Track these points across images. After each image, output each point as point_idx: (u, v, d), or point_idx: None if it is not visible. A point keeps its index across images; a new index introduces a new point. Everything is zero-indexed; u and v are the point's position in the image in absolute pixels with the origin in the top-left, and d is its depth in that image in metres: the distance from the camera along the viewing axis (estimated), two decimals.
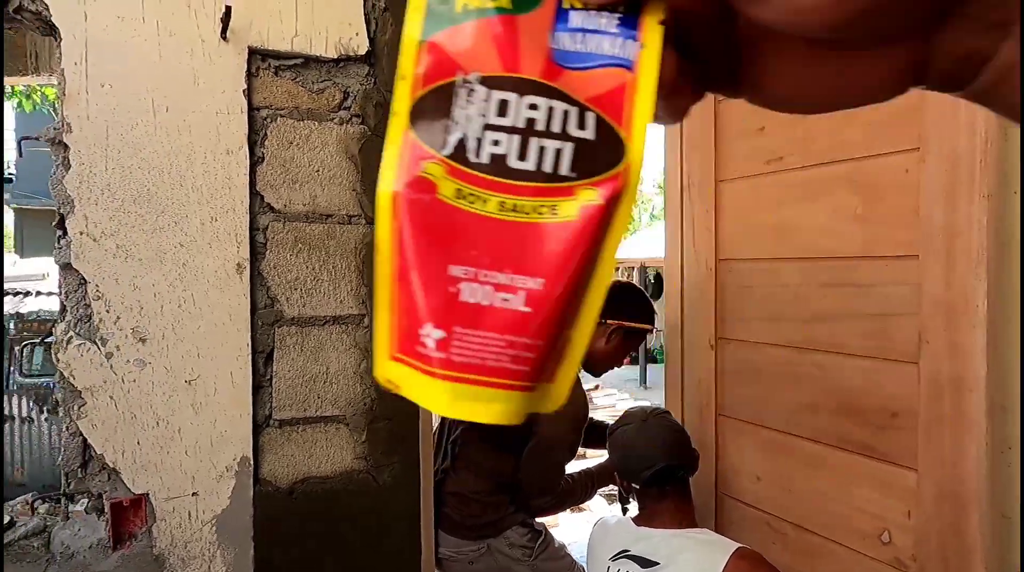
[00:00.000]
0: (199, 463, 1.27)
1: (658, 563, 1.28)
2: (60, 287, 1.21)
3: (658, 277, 13.57)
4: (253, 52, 1.30)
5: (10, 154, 15.54)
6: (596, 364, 1.97)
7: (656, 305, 2.03)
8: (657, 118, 0.25)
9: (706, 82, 0.26)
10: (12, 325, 6.65)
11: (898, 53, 0.23)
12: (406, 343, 0.24)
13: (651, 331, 2.00)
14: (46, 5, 1.16)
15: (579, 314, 0.25)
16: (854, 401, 1.37)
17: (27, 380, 5.88)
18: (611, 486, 1.91)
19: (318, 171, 1.37)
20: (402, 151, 0.24)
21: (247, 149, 1.30)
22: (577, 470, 1.97)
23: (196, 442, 1.27)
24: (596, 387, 8.10)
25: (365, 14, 1.38)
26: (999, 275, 1.09)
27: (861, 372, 1.35)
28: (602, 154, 0.24)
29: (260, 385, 1.34)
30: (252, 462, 1.31)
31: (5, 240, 18.27)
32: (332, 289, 1.39)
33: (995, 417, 1.11)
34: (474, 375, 0.24)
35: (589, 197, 0.24)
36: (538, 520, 1.93)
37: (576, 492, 1.91)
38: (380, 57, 1.41)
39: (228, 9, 1.24)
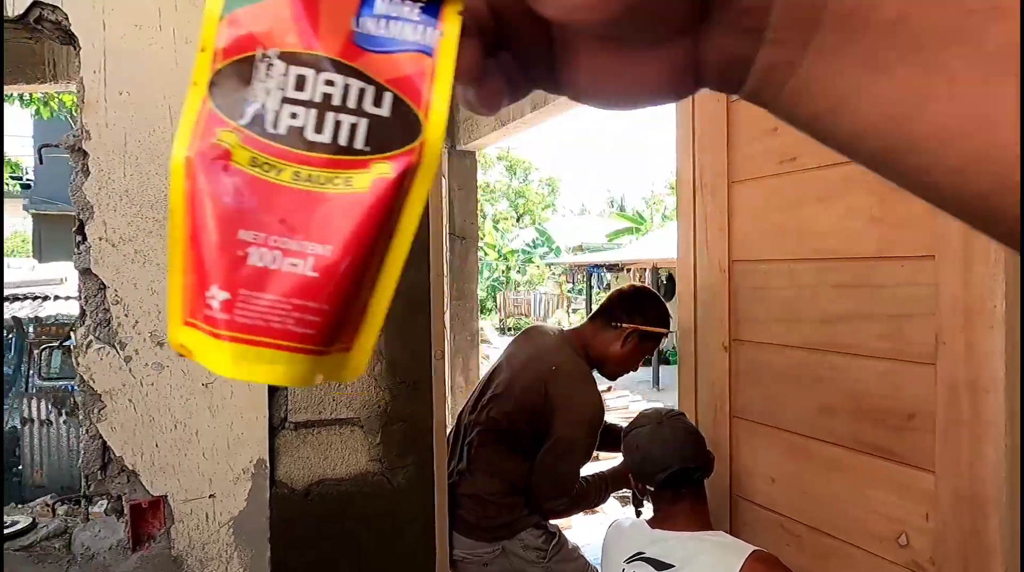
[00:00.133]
0: (216, 465, 1.29)
1: (673, 566, 1.27)
2: (80, 292, 1.23)
3: (670, 278, 13.51)
4: None
5: (29, 160, 15.75)
6: (612, 368, 1.96)
7: (669, 306, 2.03)
8: (473, 106, 0.27)
9: (530, 77, 0.28)
10: (31, 329, 6.74)
11: (674, 53, 0.25)
12: (195, 307, 0.25)
13: (666, 335, 2.00)
14: (65, 15, 1.18)
15: (376, 284, 0.26)
16: (870, 403, 1.36)
17: (46, 383, 5.96)
18: (624, 488, 1.91)
19: None
20: (198, 120, 0.25)
21: None
22: (591, 473, 1.97)
23: (213, 444, 1.28)
24: (609, 389, 8.08)
25: None
26: (1017, 275, 1.08)
27: (877, 374, 1.34)
28: (397, 131, 0.25)
29: (275, 388, 1.35)
30: (268, 464, 1.32)
31: (24, 245, 18.51)
32: None
33: (1014, 419, 1.10)
34: (257, 337, 0.24)
35: (382, 170, 0.25)
36: (552, 522, 1.93)
37: (590, 495, 1.91)
38: None
39: None
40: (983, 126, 0.20)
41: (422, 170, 0.25)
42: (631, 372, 2.03)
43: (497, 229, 23.81)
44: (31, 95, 6.04)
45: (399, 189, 0.25)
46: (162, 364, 1.25)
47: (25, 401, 5.79)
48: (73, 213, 1.21)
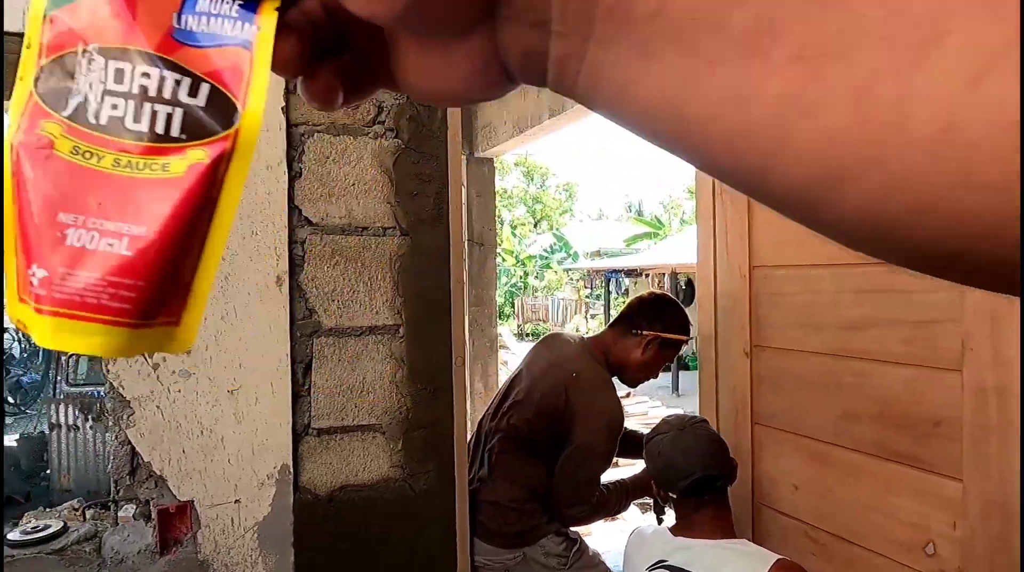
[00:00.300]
0: (241, 471, 1.31)
1: None
2: None
3: (689, 283, 13.43)
4: None
5: None
6: (632, 375, 1.96)
7: (688, 311, 2.02)
8: (308, 100, 0.28)
9: (372, 77, 0.29)
10: None
11: (476, 47, 0.25)
12: (22, 285, 0.27)
13: (687, 342, 1.99)
14: None
15: (198, 263, 0.28)
16: (895, 409, 1.34)
17: (73, 389, 6.07)
18: (645, 496, 1.90)
19: (354, 185, 1.41)
20: (24, 112, 0.27)
21: (286, 165, 1.33)
22: (612, 480, 1.96)
23: (238, 450, 1.30)
24: (628, 394, 8.04)
25: None
26: None
27: (902, 380, 1.32)
28: (213, 120, 0.27)
29: (299, 394, 1.37)
30: (292, 470, 1.34)
31: None
32: (368, 300, 1.42)
33: None
34: (74, 311, 0.26)
35: (197, 156, 0.27)
36: (572, 529, 1.92)
37: (611, 503, 1.90)
38: None
39: None
40: (739, 105, 0.21)
41: (237, 155, 0.27)
42: (652, 379, 2.02)
43: (515, 235, 23.84)
44: None
45: (214, 174, 0.27)
46: (189, 371, 1.27)
47: (53, 406, 5.89)
48: None
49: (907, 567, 1.32)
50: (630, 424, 2.12)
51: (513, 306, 21.78)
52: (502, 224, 22.41)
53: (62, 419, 5.75)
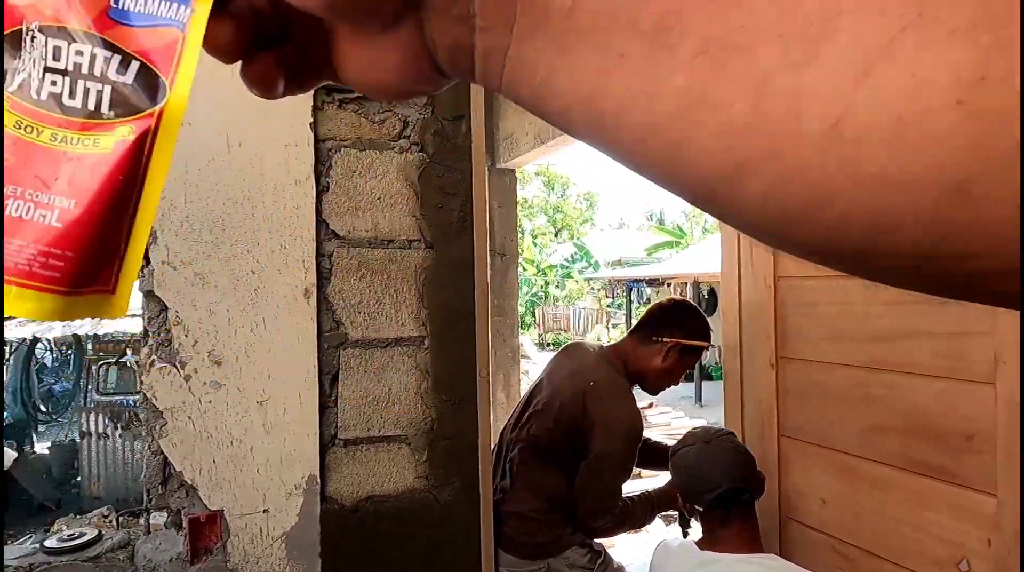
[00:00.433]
0: (270, 481, 1.32)
1: None
2: (143, 313, 1.29)
3: (712, 293, 13.31)
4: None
5: None
6: (653, 383, 1.95)
7: (710, 321, 2.01)
8: (248, 87, 0.30)
9: (316, 69, 0.30)
10: (89, 346, 7.01)
11: (405, 40, 0.26)
12: None
13: (707, 348, 1.98)
14: None
15: (129, 233, 0.29)
16: (926, 423, 1.32)
17: (103, 398, 6.19)
18: (670, 509, 1.88)
19: (380, 198, 1.43)
20: None
21: (313, 179, 1.36)
22: (636, 493, 1.95)
23: (267, 461, 1.32)
24: (650, 405, 7.98)
25: None
26: None
27: (933, 393, 1.30)
28: (141, 97, 0.28)
29: (326, 405, 1.38)
30: (319, 480, 1.36)
31: None
32: (394, 312, 1.43)
33: None
34: (9, 277, 0.28)
35: (123, 133, 0.28)
36: (597, 540, 1.92)
37: (635, 514, 1.89)
38: None
39: None
40: (648, 99, 0.21)
41: (162, 131, 0.29)
42: (673, 386, 2.01)
43: (535, 244, 23.85)
44: None
45: (139, 149, 0.28)
46: (219, 382, 1.30)
47: (84, 415, 6.01)
48: None
49: None
50: (653, 435, 2.11)
51: (534, 316, 21.76)
52: (522, 233, 22.44)
53: (92, 427, 5.87)
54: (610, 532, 1.94)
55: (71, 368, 8.77)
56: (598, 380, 1.84)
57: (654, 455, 2.10)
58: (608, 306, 21.29)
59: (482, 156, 1.50)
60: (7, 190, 0.28)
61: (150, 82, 0.28)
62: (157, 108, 0.28)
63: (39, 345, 8.33)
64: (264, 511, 1.32)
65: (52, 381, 9.00)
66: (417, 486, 1.45)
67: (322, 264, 1.38)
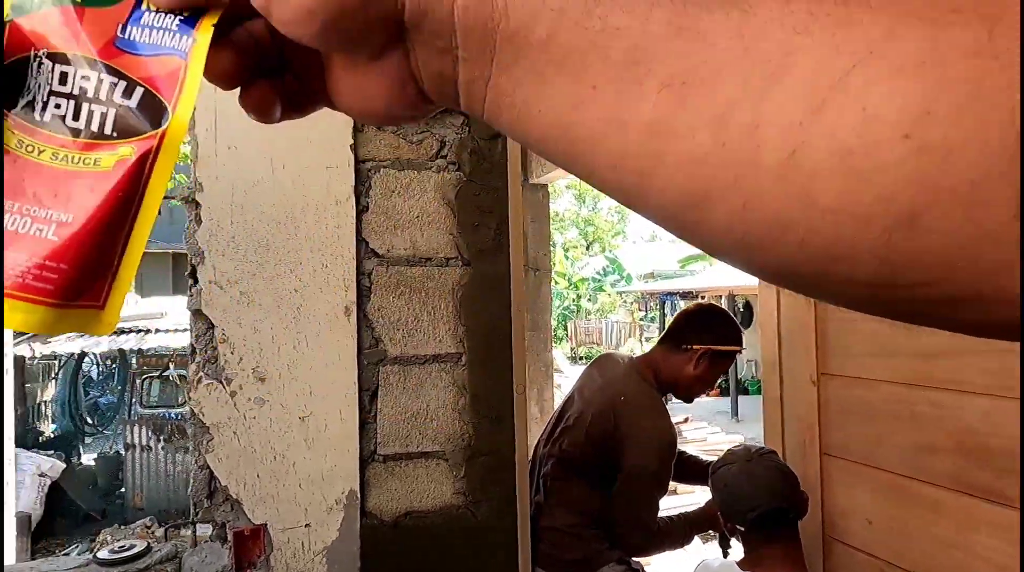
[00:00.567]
0: (311, 496, 1.35)
1: None
2: (191, 331, 1.33)
3: (747, 306, 13.11)
4: None
5: None
6: (685, 391, 1.93)
7: (746, 335, 1.98)
8: (246, 111, 0.31)
9: (313, 96, 0.31)
10: (134, 360, 7.21)
11: (395, 68, 0.27)
12: None
13: (739, 352, 1.94)
14: None
15: (124, 250, 0.30)
16: (975, 442, 1.28)
17: (146, 411, 6.35)
18: (711, 529, 1.85)
19: (418, 217, 1.45)
20: None
21: (354, 199, 1.39)
22: (676, 513, 1.93)
23: (309, 476, 1.35)
24: (686, 420, 7.87)
25: None
26: None
27: (982, 411, 1.27)
28: (143, 120, 0.29)
29: (366, 421, 1.40)
30: (359, 496, 1.37)
31: None
32: (431, 329, 1.45)
33: None
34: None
35: (125, 153, 0.29)
36: (635, 559, 1.89)
37: (674, 534, 1.87)
38: None
39: None
40: (618, 128, 0.22)
41: (163, 153, 0.30)
42: (706, 395, 1.98)
43: (567, 257, 23.81)
44: None
45: (140, 169, 0.29)
46: (263, 399, 1.33)
47: (128, 428, 6.18)
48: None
49: None
50: (689, 449, 2.08)
51: (566, 329, 21.68)
52: (554, 247, 22.43)
53: (136, 439, 6.02)
54: (648, 550, 1.91)
55: (116, 381, 9.02)
56: (629, 394, 1.83)
57: (690, 470, 2.07)
58: (641, 319, 21.10)
59: (518, 174, 1.52)
60: (5, 205, 0.29)
61: (154, 107, 0.30)
62: (160, 131, 0.30)
63: (86, 359, 8.60)
64: (306, 525, 1.34)
65: (98, 394, 9.27)
66: (455, 502, 1.46)
67: (362, 282, 1.41)
